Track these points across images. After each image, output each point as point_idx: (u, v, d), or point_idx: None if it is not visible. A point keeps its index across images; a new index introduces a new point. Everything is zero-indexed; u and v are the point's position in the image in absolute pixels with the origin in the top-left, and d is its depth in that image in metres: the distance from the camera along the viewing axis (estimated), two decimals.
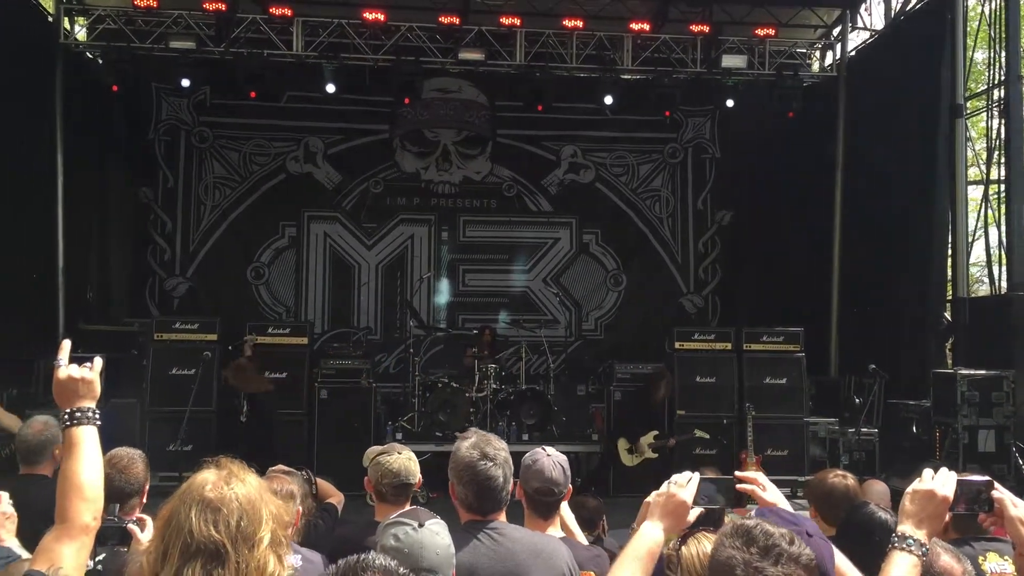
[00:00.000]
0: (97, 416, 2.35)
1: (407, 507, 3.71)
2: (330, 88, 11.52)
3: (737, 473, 2.49)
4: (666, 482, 2.40)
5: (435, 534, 2.30)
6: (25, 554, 2.84)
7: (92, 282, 12.18)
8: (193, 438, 9.08)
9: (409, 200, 13.67)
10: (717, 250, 14.10)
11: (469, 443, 3.11)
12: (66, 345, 2.42)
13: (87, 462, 2.29)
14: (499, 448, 3.10)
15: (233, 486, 1.94)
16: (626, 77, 12.15)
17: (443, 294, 13.30)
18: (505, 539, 3.03)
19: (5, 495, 2.59)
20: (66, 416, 2.33)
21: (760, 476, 2.50)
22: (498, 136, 13.68)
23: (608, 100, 11.81)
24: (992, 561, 3.69)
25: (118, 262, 12.69)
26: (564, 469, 3.33)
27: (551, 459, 3.33)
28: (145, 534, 2.95)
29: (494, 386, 10.53)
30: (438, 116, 13.52)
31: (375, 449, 4.00)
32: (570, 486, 3.40)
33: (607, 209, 13.94)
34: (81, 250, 11.87)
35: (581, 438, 10.94)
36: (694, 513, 2.37)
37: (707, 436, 10.22)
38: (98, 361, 2.43)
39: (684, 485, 2.36)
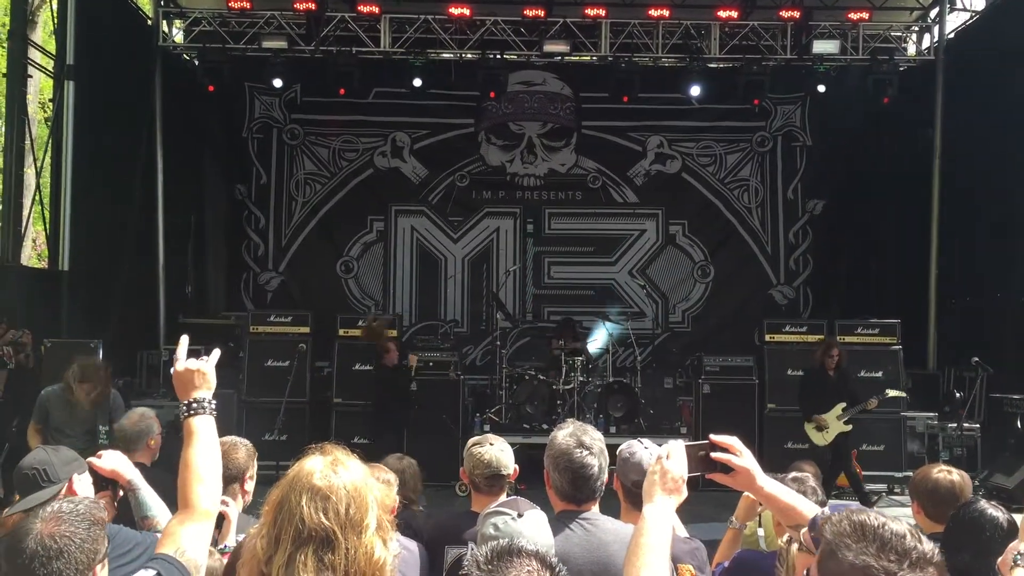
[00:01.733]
0: (214, 406, 2.46)
1: (502, 497, 3.75)
2: (416, 83, 11.67)
3: (712, 437, 2.39)
4: (655, 456, 2.32)
5: (534, 525, 2.32)
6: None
7: (191, 277, 12.62)
8: (288, 428, 9.35)
9: (494, 193, 13.74)
10: (808, 240, 13.77)
11: (566, 432, 3.14)
12: (184, 341, 2.54)
13: (205, 450, 2.40)
14: (595, 438, 3.12)
15: (340, 473, 1.98)
16: (713, 66, 11.99)
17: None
18: (597, 529, 3.04)
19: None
20: (184, 407, 2.45)
21: (735, 441, 2.40)
22: (583, 128, 13.63)
23: (695, 91, 11.66)
24: None
25: (215, 258, 13.14)
26: None
27: (648, 452, 3.31)
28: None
29: (581, 378, 10.51)
30: (523, 109, 13.54)
31: (472, 440, 4.06)
32: None
33: (694, 200, 13.75)
34: (180, 246, 12.33)
35: (669, 431, 10.79)
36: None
37: (904, 395, 9.69)
38: (215, 352, 2.55)
39: (671, 457, 2.31)
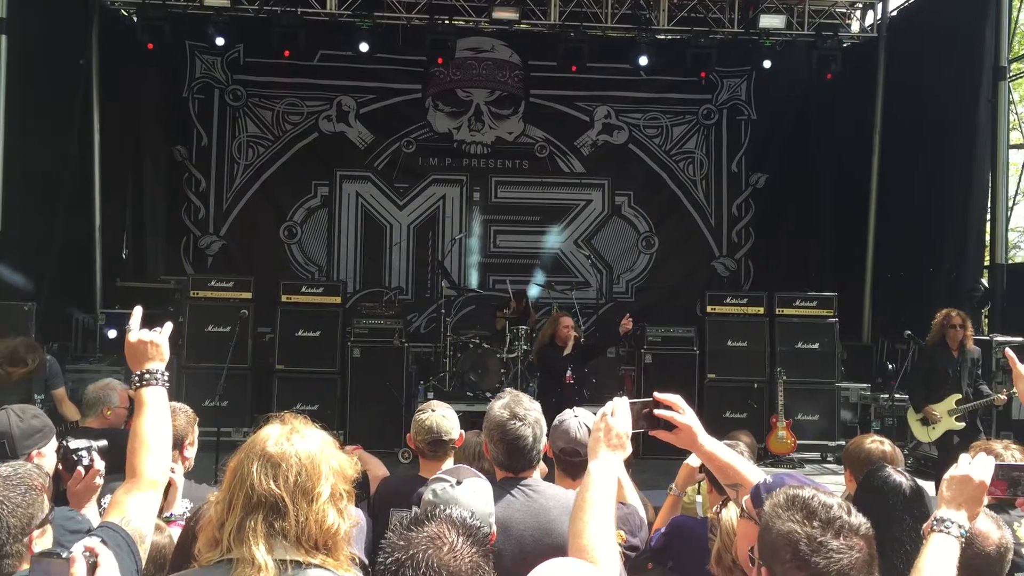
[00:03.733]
0: (166, 377, 2.51)
1: (447, 463, 3.78)
2: (363, 47, 11.50)
3: (656, 394, 2.46)
4: (600, 413, 2.35)
5: (472, 492, 2.34)
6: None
7: (128, 239, 12.35)
8: (228, 394, 9.26)
9: (441, 160, 13.65)
10: (751, 213, 13.96)
11: (501, 403, 3.19)
12: (137, 311, 2.57)
13: (155, 420, 2.43)
14: (529, 408, 3.16)
15: (294, 442, 2.01)
16: (661, 37, 12.04)
17: (475, 254, 13.08)
18: (539, 495, 3.09)
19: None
20: (136, 378, 2.48)
21: (678, 399, 2.48)
22: (531, 96, 13.59)
23: (643, 61, 11.69)
24: None
25: (153, 220, 12.84)
26: (591, 430, 3.35)
27: (578, 420, 3.37)
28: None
29: (525, 347, 10.57)
30: (471, 76, 13.45)
31: (420, 407, 4.10)
32: None
33: (640, 171, 13.82)
34: (117, 207, 12.05)
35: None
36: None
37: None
38: (168, 325, 2.59)
39: (615, 414, 2.34)
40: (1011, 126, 10.92)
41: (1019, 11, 11.55)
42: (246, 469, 1.98)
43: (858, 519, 1.82)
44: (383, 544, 1.85)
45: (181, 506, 3.25)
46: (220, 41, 11.54)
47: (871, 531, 1.84)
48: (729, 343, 10.57)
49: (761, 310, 10.74)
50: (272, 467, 1.97)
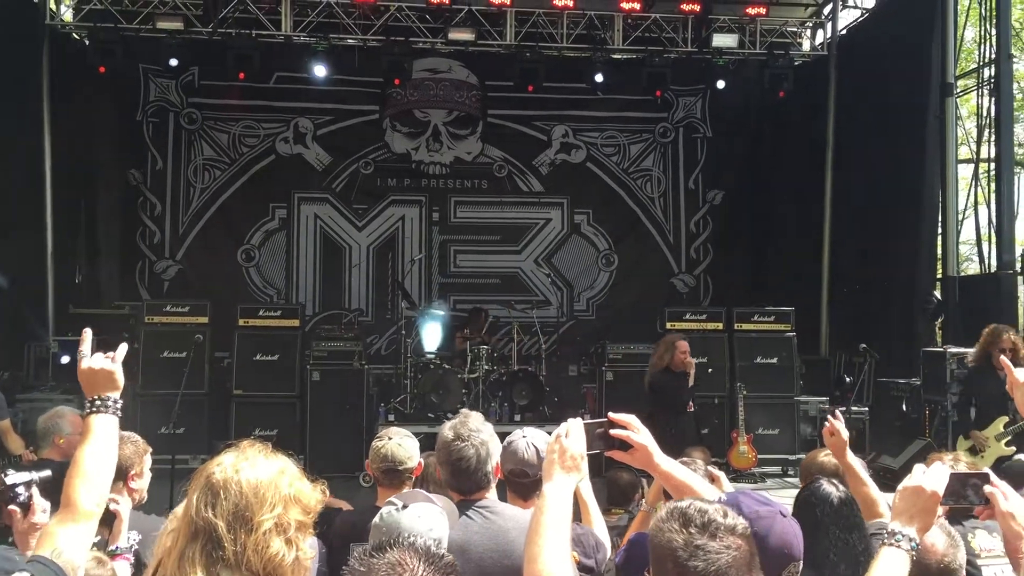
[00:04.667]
0: (118, 406, 2.42)
1: (404, 490, 3.75)
2: (319, 69, 11.47)
3: (610, 415, 2.48)
4: (554, 434, 2.35)
5: (416, 517, 2.31)
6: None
7: (81, 265, 12.14)
8: (185, 420, 9.11)
9: (399, 181, 13.61)
10: (709, 230, 14.08)
11: (449, 424, 3.20)
12: (87, 335, 2.48)
13: (98, 449, 2.34)
14: (475, 429, 3.13)
15: (242, 469, 1.98)
16: (616, 57, 12.15)
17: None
18: (497, 516, 3.06)
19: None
20: (88, 404, 2.40)
21: (633, 419, 2.49)
22: (489, 116, 13.62)
23: (599, 79, 11.78)
24: (981, 538, 3.73)
25: (107, 245, 12.62)
26: (539, 451, 3.35)
27: (526, 440, 3.35)
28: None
29: (486, 367, 10.55)
30: (428, 96, 13.45)
31: (378, 433, 4.06)
32: None
33: (598, 189, 13.90)
34: (70, 233, 11.83)
35: (574, 418, 10.93)
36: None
37: None
38: (122, 348, 2.49)
39: (569, 435, 2.34)
40: (959, 141, 11.15)
41: (964, 29, 11.81)
42: (191, 497, 1.97)
43: (734, 520, 1.86)
44: (343, 572, 1.83)
45: (126, 539, 3.17)
46: (174, 62, 11.44)
47: (749, 530, 1.87)
48: None
49: (720, 326, 10.83)
50: (212, 495, 1.94)
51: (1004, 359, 2.62)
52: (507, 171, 13.73)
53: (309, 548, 2.04)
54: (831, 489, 3.07)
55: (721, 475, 4.03)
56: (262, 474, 1.98)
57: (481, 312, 11.80)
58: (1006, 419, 6.93)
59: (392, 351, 12.36)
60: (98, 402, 2.39)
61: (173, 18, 11.03)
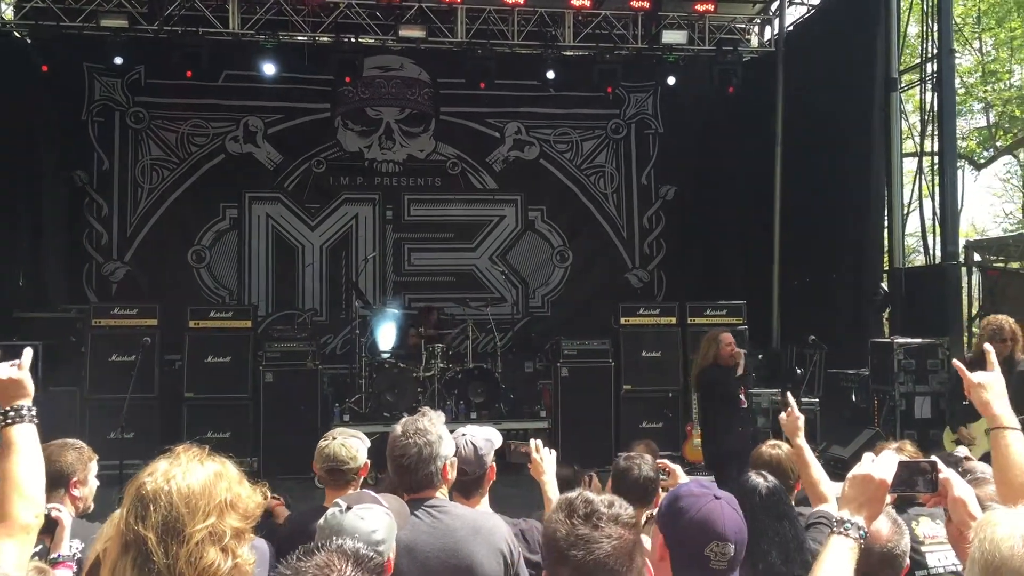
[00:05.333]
0: (33, 413, 2.32)
1: (350, 491, 3.73)
2: (268, 67, 11.34)
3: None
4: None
5: (359, 519, 2.30)
6: None
7: (24, 268, 11.86)
8: (135, 425, 8.94)
9: (352, 179, 13.52)
10: (661, 225, 14.19)
11: (401, 423, 3.18)
12: (27, 355, 2.37)
13: (24, 460, 2.26)
14: (422, 428, 3.13)
15: (174, 478, 1.93)
16: (568, 54, 12.17)
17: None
18: (445, 516, 3.06)
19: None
20: (1, 417, 2.30)
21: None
22: (441, 114, 13.58)
23: (551, 76, 11.80)
24: (924, 525, 3.80)
25: (53, 247, 12.36)
26: (478, 449, 3.39)
27: (465, 439, 3.39)
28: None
29: (441, 365, 10.52)
30: (380, 94, 13.37)
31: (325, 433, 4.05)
32: (491, 465, 3.45)
33: (552, 186, 13.93)
34: (12, 235, 11.56)
35: (530, 415, 10.99)
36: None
37: None
38: (27, 355, 2.37)
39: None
40: (904, 135, 11.35)
41: (907, 24, 12.02)
42: (122, 508, 1.92)
43: (618, 510, 1.91)
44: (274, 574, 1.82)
45: (68, 547, 3.11)
46: (119, 61, 11.22)
47: (633, 520, 1.92)
48: (643, 354, 10.70)
49: (673, 320, 10.90)
50: (142, 507, 1.89)
51: (957, 362, 2.65)
52: (460, 168, 13.71)
53: (249, 553, 2.01)
54: (759, 480, 3.17)
55: (676, 468, 4.08)
56: (195, 482, 1.93)
57: (432, 310, 11.78)
58: None
59: (347, 351, 12.28)
60: (12, 413, 2.29)
61: (117, 16, 10.81)
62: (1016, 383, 6.50)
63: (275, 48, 11.26)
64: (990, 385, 2.55)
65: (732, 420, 7.36)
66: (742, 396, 7.49)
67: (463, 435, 3.41)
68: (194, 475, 1.95)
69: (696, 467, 9.90)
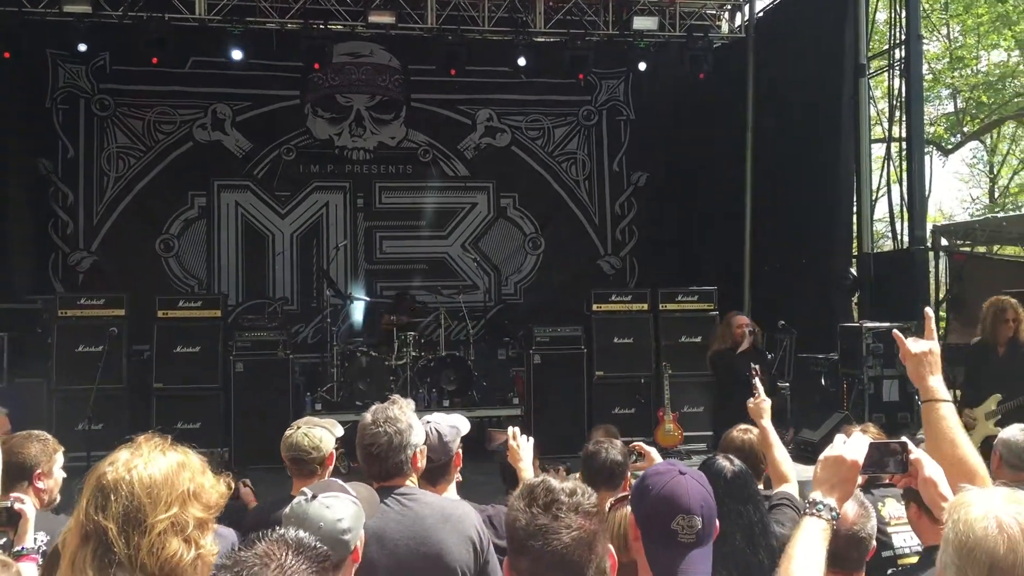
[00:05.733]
0: None
1: (316, 480, 3.71)
2: (236, 54, 11.20)
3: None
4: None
5: (325, 507, 2.27)
6: None
7: None
8: (104, 416, 8.87)
9: (323, 167, 13.41)
10: (634, 211, 14.21)
11: (372, 408, 3.17)
12: None
13: None
14: (392, 416, 3.12)
15: (135, 467, 1.90)
16: (539, 40, 12.12)
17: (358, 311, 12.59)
18: (414, 504, 3.05)
19: None
20: None
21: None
22: (412, 101, 13.50)
23: (522, 62, 11.75)
24: (890, 506, 3.85)
25: (17, 237, 12.15)
26: (442, 436, 3.40)
27: (429, 426, 3.39)
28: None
29: (413, 353, 10.48)
30: (350, 81, 13.27)
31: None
32: (457, 452, 3.45)
33: (524, 172, 13.90)
34: None
35: (502, 402, 10.99)
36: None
37: None
38: None
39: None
40: (872, 121, 11.44)
41: (876, 10, 12.09)
42: (82, 498, 1.89)
43: (579, 499, 1.89)
44: (215, 566, 1.79)
45: (33, 540, 3.07)
46: (83, 47, 11.04)
47: (595, 508, 1.90)
48: (615, 340, 10.72)
49: (645, 306, 10.93)
50: (103, 497, 1.86)
51: (897, 333, 2.63)
52: (432, 156, 13.65)
53: (213, 543, 1.99)
54: (725, 463, 3.19)
55: (651, 450, 4.11)
56: (157, 472, 1.91)
57: (406, 297, 11.72)
58: (999, 397, 6.66)
59: (318, 340, 12.22)
60: None
61: (81, 2, 10.62)
62: (1012, 363, 6.67)
63: (242, 34, 11.12)
64: (929, 356, 2.51)
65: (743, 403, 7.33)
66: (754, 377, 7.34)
67: (427, 422, 3.41)
68: (156, 465, 1.93)
69: (668, 452, 9.98)
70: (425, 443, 3.28)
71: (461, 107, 13.66)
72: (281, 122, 13.16)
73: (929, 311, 2.62)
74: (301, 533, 1.73)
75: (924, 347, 2.52)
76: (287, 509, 2.32)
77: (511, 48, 11.73)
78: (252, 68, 12.01)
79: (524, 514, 1.86)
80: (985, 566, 1.63)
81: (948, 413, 2.43)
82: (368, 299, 12.21)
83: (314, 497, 2.30)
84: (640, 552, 2.19)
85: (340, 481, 2.68)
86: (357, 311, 11.32)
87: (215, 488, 2.02)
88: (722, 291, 11.17)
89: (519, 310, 13.37)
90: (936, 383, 2.49)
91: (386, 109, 13.45)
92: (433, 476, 3.41)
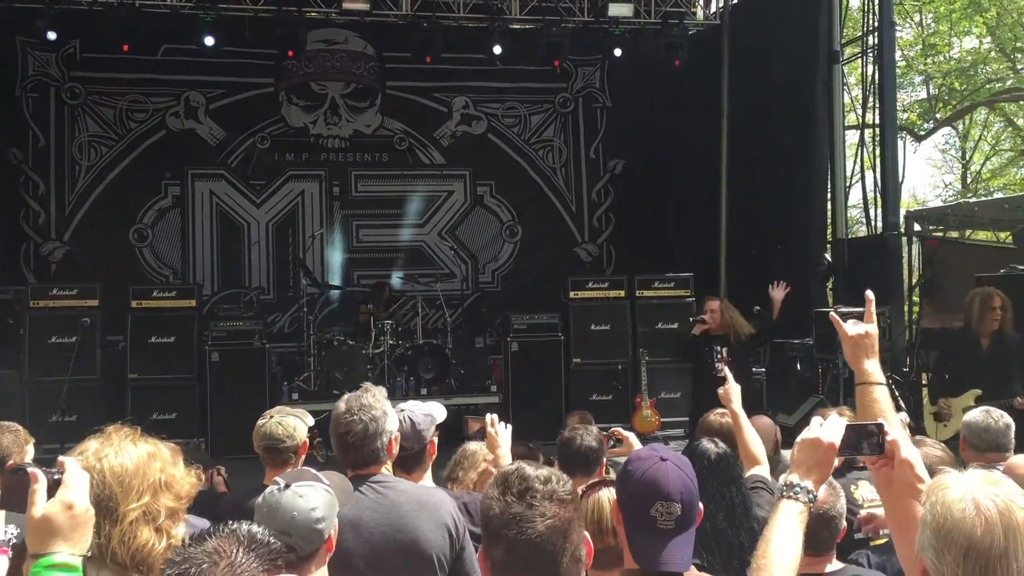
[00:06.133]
0: None
1: (289, 469, 3.70)
2: (208, 40, 11.08)
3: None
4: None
5: (298, 496, 2.26)
6: None
7: None
8: (78, 407, 8.81)
9: (298, 155, 13.31)
10: (610, 199, 14.23)
11: (345, 397, 3.15)
12: None
13: None
14: (367, 404, 3.11)
15: (105, 458, 1.91)
16: (514, 27, 12.08)
17: (337, 250, 12.84)
18: (390, 491, 3.05)
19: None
20: None
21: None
22: (387, 88, 13.43)
23: (497, 50, 11.71)
24: (863, 488, 3.89)
25: None
26: (416, 424, 3.39)
27: (404, 414, 3.38)
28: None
29: (391, 342, 10.48)
30: (324, 68, 13.16)
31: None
32: (431, 440, 3.45)
33: (500, 160, 13.88)
34: None
35: (480, 390, 11.01)
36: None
37: None
38: None
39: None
40: (846, 108, 11.49)
41: None
42: None
43: (554, 486, 1.88)
44: (165, 561, 1.77)
45: (3, 532, 3.04)
46: (52, 35, 10.88)
47: (570, 496, 1.89)
48: (592, 327, 10.76)
49: (622, 293, 10.96)
50: None
51: (834, 315, 2.63)
52: (408, 144, 13.58)
53: (184, 533, 1.98)
54: (709, 446, 3.26)
55: (630, 435, 4.13)
56: (128, 461, 1.92)
57: (384, 286, 11.69)
58: (979, 392, 6.58)
59: (295, 329, 12.16)
60: None
61: None
62: (1003, 356, 6.55)
63: (215, 21, 11.00)
64: (865, 339, 2.51)
65: (704, 389, 7.38)
66: (720, 363, 7.23)
67: (402, 410, 3.40)
68: (127, 454, 1.94)
69: (646, 437, 10.02)
70: (399, 431, 3.28)
71: (437, 95, 13.60)
72: (255, 110, 13.04)
73: (870, 294, 2.61)
74: (255, 527, 1.68)
75: (861, 330, 2.51)
76: (259, 499, 2.31)
77: (487, 35, 11.68)
78: (225, 55, 11.92)
79: (498, 502, 1.85)
80: (962, 548, 1.64)
81: (881, 396, 2.45)
82: (344, 288, 12.18)
83: (287, 486, 2.29)
84: (623, 537, 2.20)
85: (312, 470, 2.68)
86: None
87: (186, 479, 2.02)
88: (698, 277, 11.22)
89: (496, 298, 13.37)
90: (871, 366, 2.50)
91: (361, 97, 13.37)
92: (407, 464, 3.41)
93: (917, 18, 22.79)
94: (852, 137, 12.00)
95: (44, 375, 9.27)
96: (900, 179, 12.47)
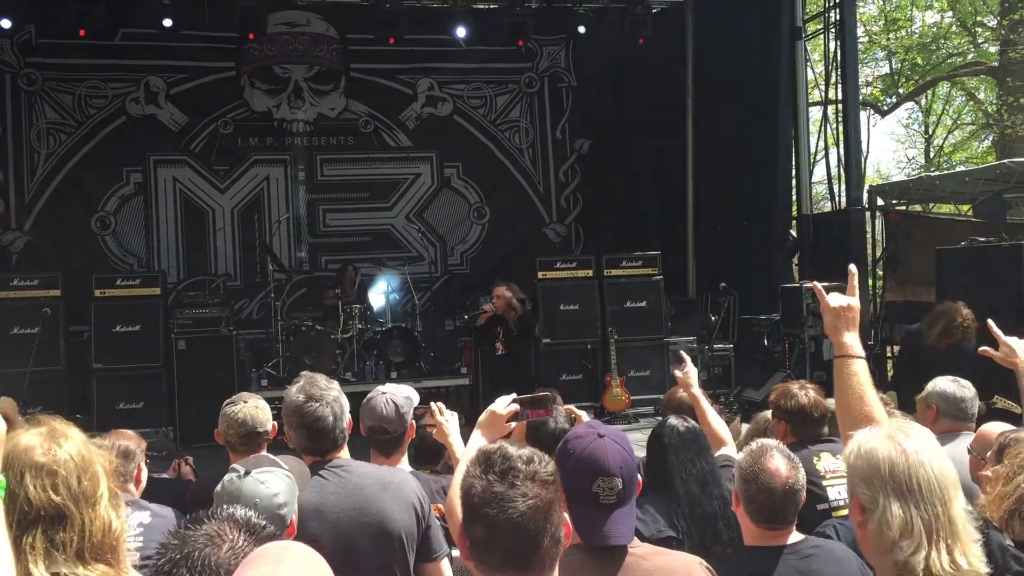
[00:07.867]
0: None
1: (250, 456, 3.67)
2: (167, 23, 10.92)
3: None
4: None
5: (259, 483, 2.25)
6: None
7: None
8: (42, 399, 8.65)
9: (262, 140, 13.17)
10: (577, 179, 14.23)
11: (296, 387, 3.11)
12: None
13: None
14: (326, 388, 3.09)
15: (63, 445, 1.90)
16: (479, 7, 12.01)
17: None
18: (352, 475, 3.03)
19: None
20: None
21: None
22: (351, 71, 13.30)
23: (461, 33, 11.65)
24: (825, 460, 3.93)
25: None
26: (398, 407, 3.37)
27: (385, 397, 3.36)
28: None
29: (360, 326, 10.42)
30: (287, 51, 13.00)
31: (226, 401, 3.94)
32: (411, 423, 3.43)
33: (467, 142, 13.81)
34: None
35: (450, 372, 11.00)
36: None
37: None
38: None
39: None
40: (810, 84, 11.56)
41: None
42: (14, 483, 1.84)
43: (536, 467, 1.87)
44: (160, 544, 1.76)
45: None
46: (6, 24, 10.68)
47: (552, 477, 1.89)
48: (561, 307, 10.75)
49: (590, 273, 10.96)
50: (48, 475, 1.85)
51: (817, 285, 2.68)
52: (373, 126, 13.48)
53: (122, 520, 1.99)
54: (677, 422, 3.40)
55: (582, 414, 4.12)
56: (82, 448, 1.92)
57: (348, 268, 11.60)
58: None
59: (263, 315, 12.06)
60: None
61: None
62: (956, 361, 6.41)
63: (173, 3, 10.84)
64: (847, 311, 2.56)
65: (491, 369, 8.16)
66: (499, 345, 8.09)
67: (383, 393, 3.37)
68: (76, 441, 1.95)
69: (616, 416, 10.09)
70: (380, 414, 3.27)
71: (401, 76, 13.49)
72: (217, 95, 12.86)
73: (853, 268, 2.65)
74: (250, 512, 1.71)
75: (843, 302, 2.55)
76: (218, 487, 2.29)
77: (450, 15, 11.60)
78: (185, 39, 11.77)
79: (480, 480, 1.84)
80: (886, 469, 1.90)
81: (859, 369, 2.49)
82: (311, 272, 12.10)
83: (247, 473, 2.27)
84: (566, 513, 2.21)
85: (271, 455, 2.66)
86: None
87: (107, 457, 2.02)
88: (666, 255, 11.26)
89: (465, 280, 13.34)
90: (851, 339, 2.53)
91: (325, 80, 13.23)
92: (387, 448, 3.39)
93: None
94: (816, 113, 12.09)
95: (6, 367, 9.08)
96: (864, 154, 12.59)
